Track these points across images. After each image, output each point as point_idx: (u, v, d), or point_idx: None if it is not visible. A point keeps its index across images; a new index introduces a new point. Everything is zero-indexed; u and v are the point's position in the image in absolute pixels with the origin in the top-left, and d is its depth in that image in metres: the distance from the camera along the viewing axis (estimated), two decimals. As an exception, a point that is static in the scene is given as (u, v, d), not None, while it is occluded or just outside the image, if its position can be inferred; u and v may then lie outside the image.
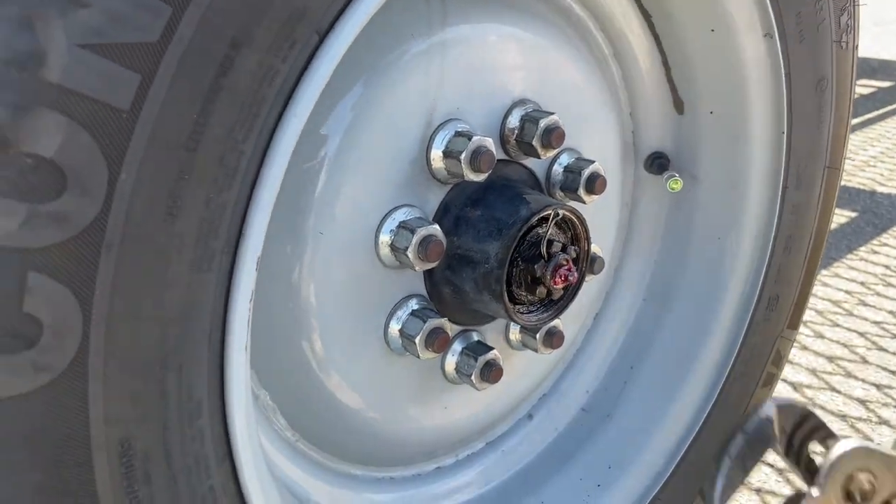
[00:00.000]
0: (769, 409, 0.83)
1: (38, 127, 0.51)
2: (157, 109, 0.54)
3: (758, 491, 1.67)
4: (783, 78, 1.11)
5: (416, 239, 0.88)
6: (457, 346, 1.04)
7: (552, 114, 0.97)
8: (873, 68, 4.78)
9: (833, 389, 1.91)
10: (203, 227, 0.60)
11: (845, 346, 2.06)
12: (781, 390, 1.87)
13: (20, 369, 0.53)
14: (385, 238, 0.91)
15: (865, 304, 2.26)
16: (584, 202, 1.06)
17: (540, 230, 0.96)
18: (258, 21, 0.58)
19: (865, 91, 4.40)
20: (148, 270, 0.57)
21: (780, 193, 1.19)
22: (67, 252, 0.53)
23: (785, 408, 0.83)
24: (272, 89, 0.61)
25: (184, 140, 0.56)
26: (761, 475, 1.71)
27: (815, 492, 0.79)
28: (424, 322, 0.94)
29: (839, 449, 0.80)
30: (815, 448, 0.82)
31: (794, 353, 2.01)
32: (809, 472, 0.82)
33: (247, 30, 0.58)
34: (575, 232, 1.00)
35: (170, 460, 0.62)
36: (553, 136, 0.97)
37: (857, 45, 1.23)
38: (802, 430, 0.84)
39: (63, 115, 0.51)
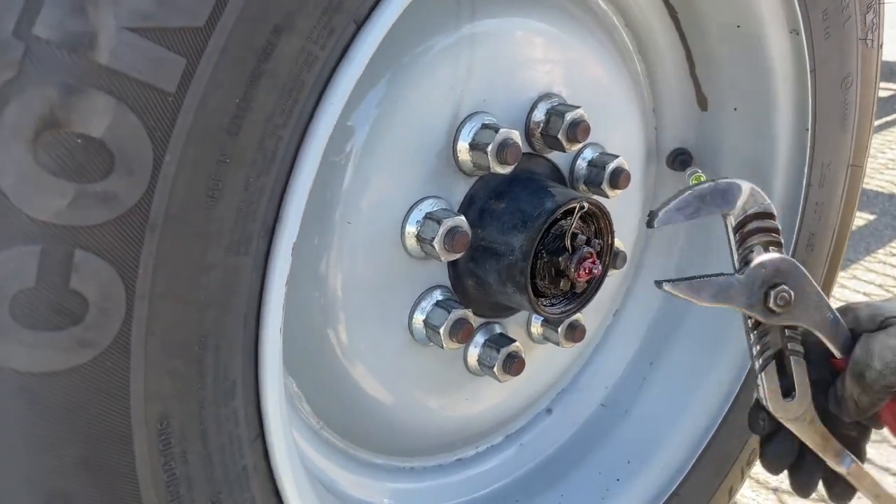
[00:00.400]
0: (745, 185, 0.88)
1: (87, 108, 0.52)
2: (202, 93, 0.56)
3: (775, 490, 1.66)
4: (808, 75, 1.11)
5: (442, 230, 0.89)
6: (479, 338, 1.04)
7: (578, 107, 0.98)
8: (892, 71, 4.74)
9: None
10: (241, 210, 0.61)
11: (863, 348, 2.05)
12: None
13: (66, 345, 0.55)
14: (411, 229, 0.92)
15: (884, 307, 2.25)
16: (607, 196, 1.06)
17: (564, 223, 0.97)
18: (299, 8, 0.59)
19: (885, 94, 4.36)
20: (188, 251, 0.59)
21: (803, 191, 1.19)
22: (113, 231, 0.55)
23: (757, 194, 0.91)
24: (311, 76, 0.62)
25: (226, 123, 0.58)
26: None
27: (738, 277, 0.88)
28: (449, 312, 0.95)
29: (768, 260, 0.89)
30: (760, 241, 0.90)
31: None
32: (745, 260, 0.90)
33: (288, 16, 0.59)
34: (599, 225, 1.01)
35: (205, 439, 0.64)
36: (578, 129, 0.98)
37: (882, 44, 1.23)
38: (759, 221, 0.91)
39: (112, 97, 0.52)
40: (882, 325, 0.95)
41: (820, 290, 0.94)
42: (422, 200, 0.93)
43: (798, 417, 0.94)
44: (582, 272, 0.97)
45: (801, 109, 1.15)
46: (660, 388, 1.27)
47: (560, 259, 0.97)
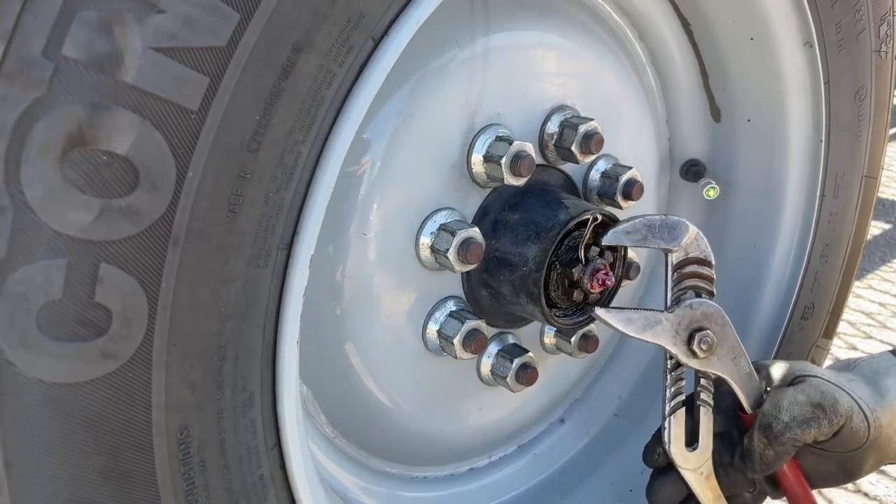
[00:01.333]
0: (692, 228, 0.96)
1: (113, 125, 0.53)
2: (223, 110, 0.57)
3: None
4: (822, 87, 1.11)
5: (456, 241, 0.90)
6: (493, 348, 1.05)
7: (591, 119, 0.99)
8: (908, 79, 4.71)
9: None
10: (262, 224, 0.62)
11: (879, 358, 2.03)
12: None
13: (90, 356, 0.56)
14: (426, 240, 0.93)
15: (900, 317, 2.23)
16: (620, 208, 1.07)
17: (578, 234, 0.97)
18: (319, 26, 0.61)
19: (899, 102, 4.33)
20: (210, 264, 0.60)
21: (817, 202, 1.19)
22: (137, 245, 0.56)
23: (701, 240, 0.96)
24: (329, 92, 0.63)
25: (247, 140, 0.59)
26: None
27: (668, 315, 0.94)
28: (462, 323, 0.96)
29: (699, 303, 0.95)
30: (694, 285, 0.96)
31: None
32: (677, 300, 0.96)
33: (308, 34, 0.60)
34: (612, 237, 1.01)
35: (224, 448, 0.65)
36: (592, 141, 0.98)
37: (897, 55, 1.23)
38: (697, 266, 0.96)
39: (137, 115, 0.54)
40: (792, 382, 0.99)
41: (741, 344, 0.98)
42: (436, 212, 0.94)
43: (695, 469, 0.97)
44: (595, 283, 0.98)
45: (815, 121, 1.15)
46: (673, 398, 1.27)
47: (573, 270, 0.97)
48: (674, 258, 0.95)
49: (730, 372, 0.97)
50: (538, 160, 1.00)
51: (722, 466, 1.00)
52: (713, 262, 0.97)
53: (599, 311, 0.92)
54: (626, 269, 1.10)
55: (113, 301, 0.56)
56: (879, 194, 3.13)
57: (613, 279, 1.00)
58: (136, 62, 0.53)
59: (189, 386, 0.61)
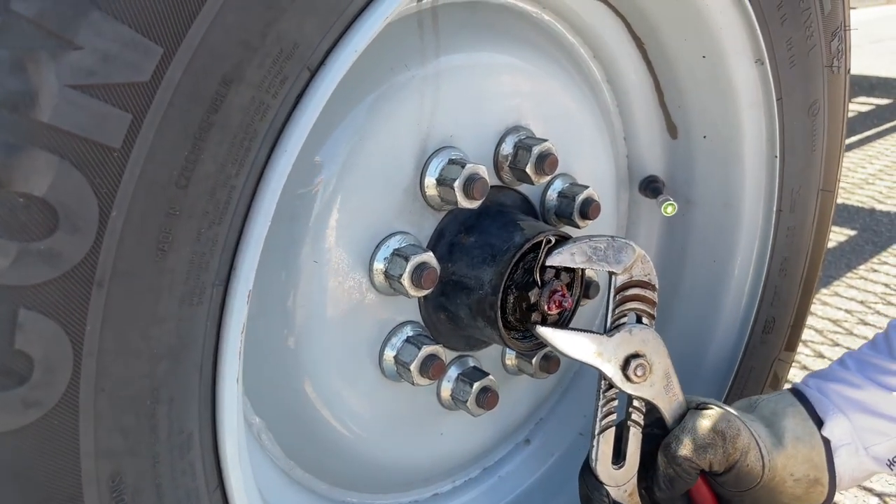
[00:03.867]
0: (638, 250, 0.96)
1: (29, 166, 0.51)
2: (148, 147, 0.55)
3: None
4: (775, 103, 1.12)
5: (410, 266, 0.89)
6: (452, 373, 1.04)
7: (545, 140, 0.98)
8: (872, 85, 4.80)
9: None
10: (194, 261, 0.60)
11: (846, 365, 2.05)
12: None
13: (10, 406, 0.54)
14: (379, 266, 0.92)
15: (866, 323, 2.26)
16: (578, 227, 1.06)
17: (534, 256, 0.96)
18: (249, 58, 0.59)
19: (864, 108, 4.42)
20: (139, 306, 0.58)
21: (774, 216, 1.19)
22: (58, 289, 0.54)
23: (646, 263, 0.97)
24: (263, 125, 0.62)
25: (175, 176, 0.57)
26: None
27: (607, 338, 0.95)
28: (419, 349, 0.94)
29: (638, 329, 0.96)
30: (636, 308, 0.97)
31: (795, 373, 2.00)
32: (615, 324, 0.97)
33: (237, 67, 0.59)
34: (569, 258, 1.01)
35: (161, 493, 0.62)
36: (546, 162, 0.98)
37: (849, 69, 1.24)
38: (640, 289, 0.97)
39: (54, 155, 0.52)
40: (700, 407, 1.01)
41: (674, 371, 1.00)
42: (390, 237, 0.92)
43: (620, 486, 0.99)
44: (552, 305, 0.97)
45: (769, 137, 1.15)
46: (638, 415, 1.27)
47: (530, 293, 0.96)
48: (617, 280, 0.96)
49: (660, 398, 0.99)
50: (494, 182, 0.99)
51: (645, 486, 1.02)
52: (656, 286, 0.98)
53: (542, 331, 0.93)
54: (586, 289, 1.09)
55: (34, 347, 0.54)
56: (844, 201, 3.18)
57: (571, 300, 0.99)
58: (51, 101, 0.51)
59: (120, 431, 0.59)
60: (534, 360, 1.09)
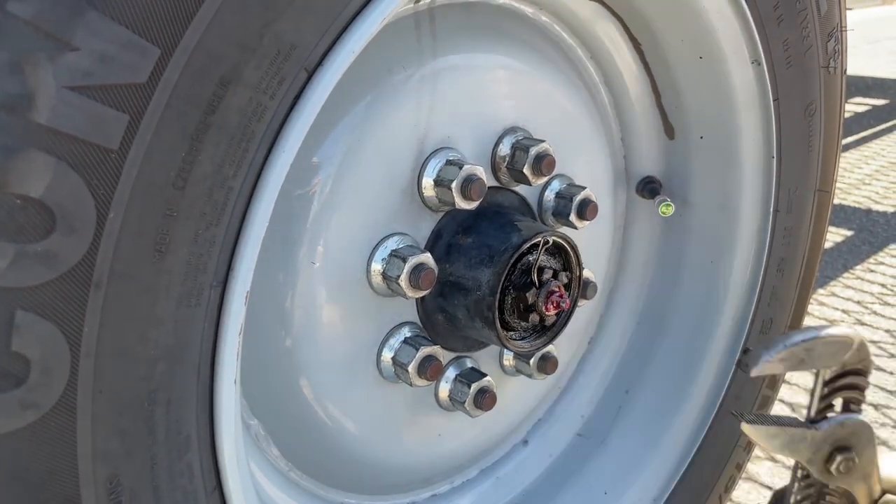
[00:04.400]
0: (857, 338, 0.83)
1: (27, 168, 0.51)
2: (146, 148, 0.55)
3: (770, 488, 1.66)
4: (772, 103, 1.12)
5: (407, 267, 0.89)
6: (450, 373, 1.04)
7: (543, 141, 0.98)
8: (868, 86, 4.81)
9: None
10: (191, 262, 0.60)
11: (843, 365, 2.05)
12: (779, 410, 1.86)
13: (7, 408, 0.54)
14: (377, 266, 0.91)
15: (862, 323, 2.26)
16: (575, 228, 1.06)
17: (531, 257, 0.96)
18: (246, 60, 0.59)
19: (860, 109, 4.42)
20: (136, 307, 0.58)
21: (771, 217, 1.19)
22: (56, 290, 0.54)
23: (863, 349, 0.84)
24: (261, 125, 0.62)
25: (172, 177, 0.57)
26: (759, 497, 1.70)
27: (813, 433, 0.83)
28: (417, 350, 0.94)
29: (851, 422, 0.84)
30: (846, 397, 0.85)
31: (792, 373, 2.00)
32: (821, 412, 0.85)
33: (235, 68, 0.59)
34: (566, 258, 1.01)
35: (158, 495, 0.62)
36: (544, 163, 0.98)
37: (846, 70, 1.24)
38: (853, 377, 0.86)
39: (52, 156, 0.52)
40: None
41: (878, 460, 0.90)
42: (387, 237, 0.92)
43: None
44: (550, 306, 0.97)
45: (766, 137, 1.16)
46: (636, 416, 1.27)
47: (528, 294, 0.96)
48: (829, 373, 0.85)
49: (858, 489, 0.89)
50: (491, 182, 0.99)
51: None
52: (870, 370, 0.86)
53: (746, 428, 0.83)
54: (583, 289, 1.10)
55: (31, 349, 0.53)
56: (841, 202, 3.18)
57: (568, 301, 0.99)
58: (49, 102, 0.51)
59: (118, 433, 0.59)
60: (531, 361, 1.09)
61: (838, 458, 0.86)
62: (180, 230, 0.59)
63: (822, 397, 0.86)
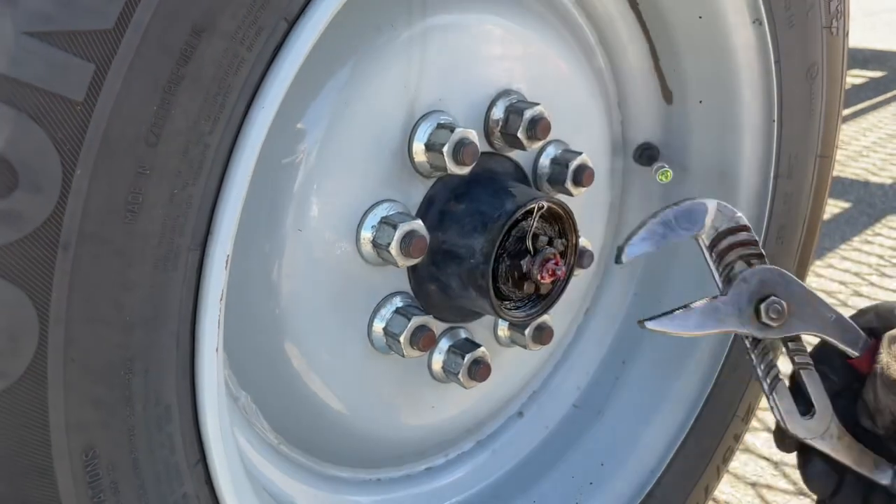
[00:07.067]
0: (710, 203, 0.85)
1: (-16, 120, 0.48)
2: (114, 100, 0.52)
3: (753, 485, 1.65)
4: (773, 65, 1.09)
5: (398, 235, 0.86)
6: (443, 344, 1.01)
7: (537, 104, 0.95)
8: (865, 58, 4.77)
9: (828, 381, 1.89)
10: (167, 223, 0.57)
11: (840, 337, 2.05)
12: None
13: (-27, 377, 0.51)
14: (367, 234, 0.89)
15: (860, 295, 2.25)
16: (571, 195, 1.03)
17: (526, 224, 0.94)
18: (221, 6, 0.56)
19: (858, 81, 4.39)
20: (108, 270, 0.55)
21: (771, 183, 1.16)
22: (20, 252, 0.51)
23: (725, 209, 0.88)
24: (238, 79, 0.59)
25: (143, 132, 0.54)
26: (757, 468, 1.70)
27: (722, 298, 0.85)
28: (409, 320, 0.92)
29: (751, 273, 0.86)
30: (739, 256, 0.88)
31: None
32: (727, 279, 0.87)
33: (208, 14, 0.55)
34: (562, 225, 0.98)
35: (138, 468, 0.60)
36: (538, 127, 0.95)
37: (848, 32, 1.21)
38: (733, 236, 0.88)
39: (11, 108, 0.48)
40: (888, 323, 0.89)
41: (814, 292, 0.89)
42: (377, 204, 0.89)
43: (823, 434, 0.88)
44: (545, 274, 0.94)
45: (767, 101, 1.12)
46: (633, 386, 1.25)
47: (522, 262, 0.94)
48: (704, 239, 0.87)
49: (815, 327, 0.88)
50: (484, 147, 0.96)
51: (855, 423, 0.91)
52: (748, 225, 0.88)
53: (650, 325, 0.84)
54: (580, 258, 1.07)
55: (-4, 315, 0.50)
56: (839, 173, 3.16)
57: (564, 269, 0.97)
58: (6, 49, 0.47)
59: (92, 403, 0.56)
60: (527, 331, 1.07)
61: (762, 308, 0.86)
62: (154, 189, 0.56)
63: (718, 265, 0.87)
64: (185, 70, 0.55)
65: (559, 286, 0.98)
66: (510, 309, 0.96)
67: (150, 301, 0.57)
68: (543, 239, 0.95)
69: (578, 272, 1.09)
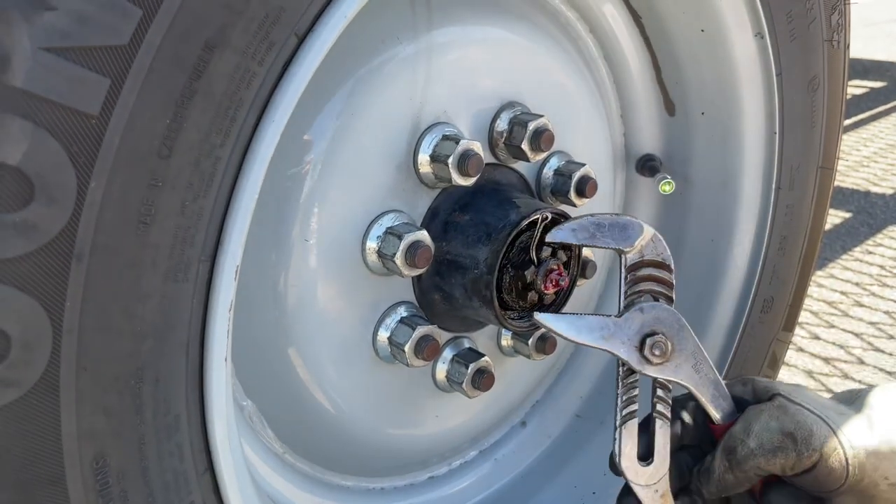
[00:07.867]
0: (648, 229, 0.89)
1: (2, 134, 0.49)
2: (128, 114, 0.53)
3: None
4: (774, 78, 1.10)
5: (403, 245, 0.87)
6: (447, 354, 1.02)
7: (541, 116, 0.96)
8: (865, 69, 4.79)
9: (830, 391, 1.89)
10: (178, 235, 0.58)
11: (841, 347, 2.05)
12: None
13: (-13, 385, 0.51)
14: (372, 245, 0.89)
15: (861, 305, 2.25)
16: (575, 205, 1.04)
17: (530, 234, 0.94)
18: (233, 22, 0.57)
19: (858, 91, 4.40)
20: (120, 281, 0.56)
21: (773, 194, 1.17)
22: (35, 263, 0.52)
23: (658, 243, 0.90)
24: (250, 93, 0.60)
25: (156, 146, 0.55)
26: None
27: (616, 319, 0.87)
28: (413, 329, 0.93)
29: (650, 307, 0.88)
30: (650, 290, 0.90)
31: (790, 355, 2.00)
32: (629, 304, 0.89)
33: (221, 31, 0.56)
34: (565, 236, 0.99)
35: (147, 476, 0.60)
36: (542, 138, 0.96)
37: (849, 44, 1.22)
38: (654, 269, 0.90)
39: (28, 122, 0.49)
40: (771, 399, 0.90)
41: (703, 350, 0.91)
42: (383, 215, 0.90)
43: (649, 486, 0.88)
44: (549, 285, 0.95)
45: (768, 113, 1.13)
46: (635, 397, 1.25)
47: (526, 272, 0.94)
48: (627, 259, 0.89)
49: (690, 379, 0.89)
50: (489, 159, 0.97)
51: (681, 488, 0.92)
52: (672, 266, 0.90)
53: (540, 317, 0.85)
54: (582, 268, 1.08)
55: (10, 324, 0.51)
56: (840, 184, 3.17)
57: (567, 280, 0.97)
58: (24, 64, 0.48)
59: (104, 412, 0.57)
60: (530, 341, 1.08)
61: (649, 342, 0.87)
62: (166, 201, 0.56)
63: (627, 289, 0.89)
64: (197, 84, 0.56)
65: (562, 296, 0.99)
66: (514, 319, 0.97)
67: (161, 311, 0.58)
68: (547, 249, 0.96)
69: (582, 282, 1.09)
